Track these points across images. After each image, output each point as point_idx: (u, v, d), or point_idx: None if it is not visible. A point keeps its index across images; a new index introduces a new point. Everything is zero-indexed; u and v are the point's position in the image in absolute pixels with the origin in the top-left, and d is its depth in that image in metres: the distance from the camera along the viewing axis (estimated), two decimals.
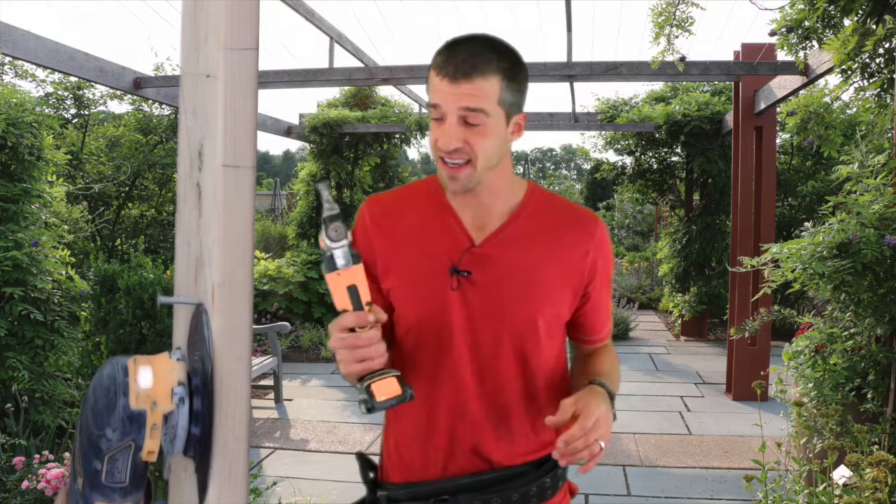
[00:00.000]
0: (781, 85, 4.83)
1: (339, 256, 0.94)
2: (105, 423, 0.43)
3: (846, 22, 3.22)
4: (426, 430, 1.22)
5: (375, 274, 1.23)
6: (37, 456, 2.93)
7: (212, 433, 0.45)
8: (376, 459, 1.33)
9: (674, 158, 8.41)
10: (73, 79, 7.53)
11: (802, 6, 3.35)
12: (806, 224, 3.03)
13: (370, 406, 1.00)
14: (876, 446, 2.56)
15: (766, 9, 3.47)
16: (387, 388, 1.00)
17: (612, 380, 1.24)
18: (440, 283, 1.18)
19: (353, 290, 0.97)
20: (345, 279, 0.96)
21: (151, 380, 0.44)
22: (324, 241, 0.94)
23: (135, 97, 7.48)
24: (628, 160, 8.78)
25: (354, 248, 0.96)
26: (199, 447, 0.45)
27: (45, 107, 7.37)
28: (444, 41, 1.15)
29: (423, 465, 1.22)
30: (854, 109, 4.04)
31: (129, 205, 8.36)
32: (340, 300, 0.98)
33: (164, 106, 8.08)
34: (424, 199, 1.25)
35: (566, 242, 1.22)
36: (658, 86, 8.43)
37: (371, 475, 1.29)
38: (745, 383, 5.15)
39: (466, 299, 1.18)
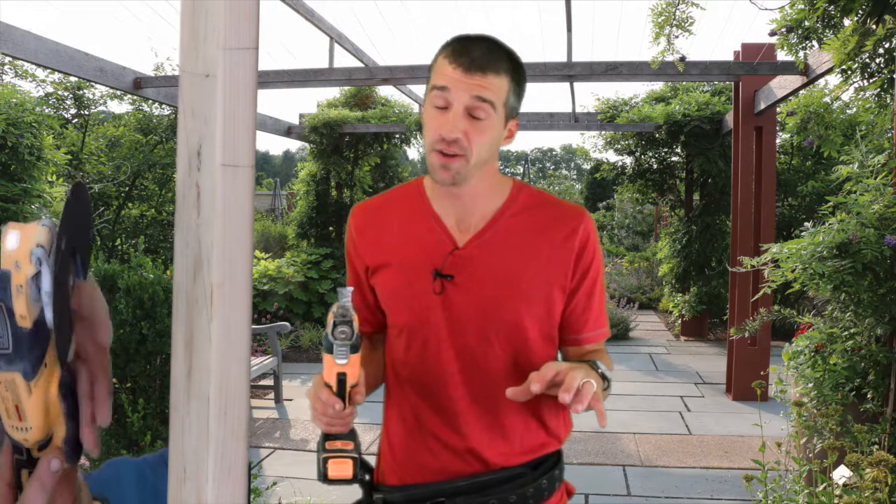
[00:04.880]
0: (781, 85, 4.83)
1: (340, 354, 0.98)
2: None
3: (846, 22, 3.22)
4: (420, 431, 1.22)
5: (369, 283, 1.26)
6: None
7: (67, 300, 0.45)
8: (373, 460, 1.33)
9: (674, 158, 8.41)
10: (73, 79, 7.53)
11: (802, 6, 3.35)
12: (806, 224, 3.03)
13: (322, 477, 1.04)
14: (876, 446, 2.55)
15: (766, 9, 3.46)
16: (342, 469, 1.04)
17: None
18: (423, 288, 1.18)
19: (342, 378, 1.00)
20: (338, 367, 1.00)
21: (17, 242, 0.45)
22: (328, 330, 0.97)
23: (135, 97, 7.48)
24: (628, 160, 8.78)
25: (356, 340, 0.99)
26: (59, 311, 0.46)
27: (45, 107, 7.37)
28: (453, 36, 1.16)
29: (419, 467, 1.22)
30: (854, 109, 4.04)
31: (129, 205, 8.36)
32: (329, 377, 1.01)
33: (164, 106, 8.08)
34: (408, 205, 1.25)
35: (552, 240, 1.20)
36: (658, 86, 8.42)
37: (367, 477, 1.29)
38: (745, 383, 5.14)
39: (449, 302, 1.18)
